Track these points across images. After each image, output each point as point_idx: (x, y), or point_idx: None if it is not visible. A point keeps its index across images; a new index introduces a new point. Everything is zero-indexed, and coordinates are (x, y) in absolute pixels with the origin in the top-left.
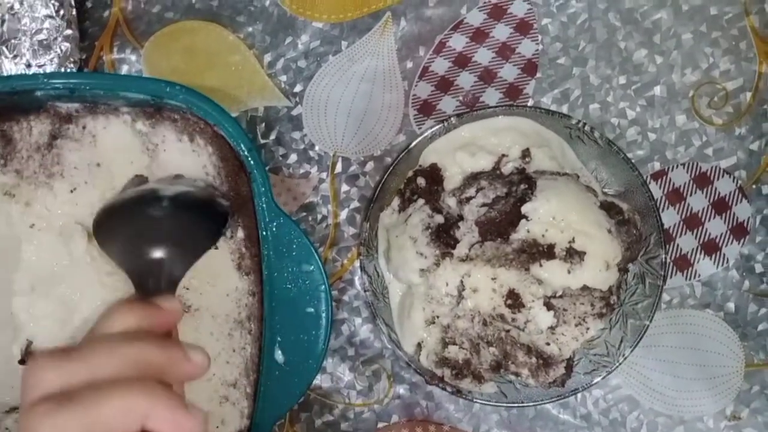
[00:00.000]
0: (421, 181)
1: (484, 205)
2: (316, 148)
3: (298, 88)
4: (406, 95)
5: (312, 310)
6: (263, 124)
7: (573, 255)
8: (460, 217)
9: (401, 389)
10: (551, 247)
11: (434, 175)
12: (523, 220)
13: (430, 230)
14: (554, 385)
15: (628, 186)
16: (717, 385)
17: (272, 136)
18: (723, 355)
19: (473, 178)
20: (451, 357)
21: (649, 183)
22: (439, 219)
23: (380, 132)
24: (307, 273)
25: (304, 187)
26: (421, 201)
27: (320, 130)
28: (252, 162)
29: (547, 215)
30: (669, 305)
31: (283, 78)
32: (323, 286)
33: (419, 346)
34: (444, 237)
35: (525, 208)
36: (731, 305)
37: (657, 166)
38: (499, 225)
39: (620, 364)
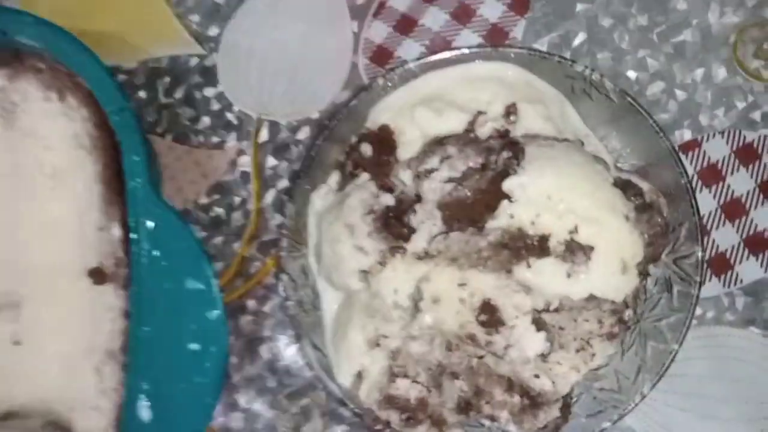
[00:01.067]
0: (366, 149)
1: (450, 180)
2: (235, 109)
3: (212, 32)
4: (355, 39)
5: (197, 346)
6: (167, 79)
7: (576, 251)
8: (418, 198)
9: (340, 431)
10: (544, 239)
11: (385, 140)
12: (505, 202)
13: (373, 215)
14: None
15: (650, 159)
16: (765, 427)
17: (178, 94)
18: None
19: (437, 145)
20: (400, 395)
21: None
22: (388, 200)
23: (319, 87)
24: (194, 293)
25: (218, 160)
26: (364, 176)
27: (240, 86)
28: (122, 127)
29: (540, 194)
30: (701, 321)
31: (195, 18)
32: (216, 312)
33: (359, 376)
34: (394, 225)
35: (508, 185)
36: None
37: (687, 135)
38: (471, 208)
39: (637, 404)
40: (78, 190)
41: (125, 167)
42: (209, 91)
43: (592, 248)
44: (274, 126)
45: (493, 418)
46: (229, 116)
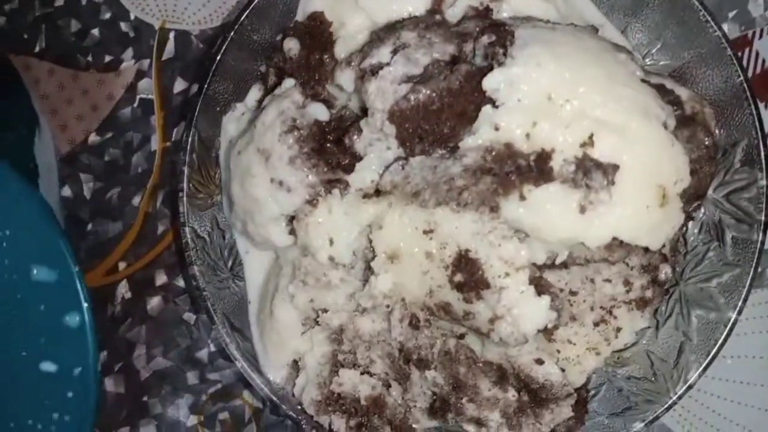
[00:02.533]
0: (292, 46)
1: (407, 79)
2: (132, 16)
3: None
4: None
5: (52, 367)
6: None
7: (591, 172)
8: (363, 112)
9: None
10: (545, 158)
11: (317, 34)
12: (487, 107)
13: (297, 134)
14: None
15: (690, 56)
16: None
17: (59, 1)
18: None
19: (389, 31)
20: (346, 392)
21: None
22: (318, 112)
23: None
24: (44, 288)
25: (112, 86)
26: (288, 82)
27: None
28: None
29: (537, 93)
30: (759, 282)
31: None
32: (78, 317)
33: (295, 365)
34: (329, 150)
35: (491, 82)
36: None
37: (732, 29)
38: (439, 120)
39: (679, 397)
40: None
41: None
42: None
43: (616, 167)
44: (182, 37)
45: (479, 422)
46: (125, 27)
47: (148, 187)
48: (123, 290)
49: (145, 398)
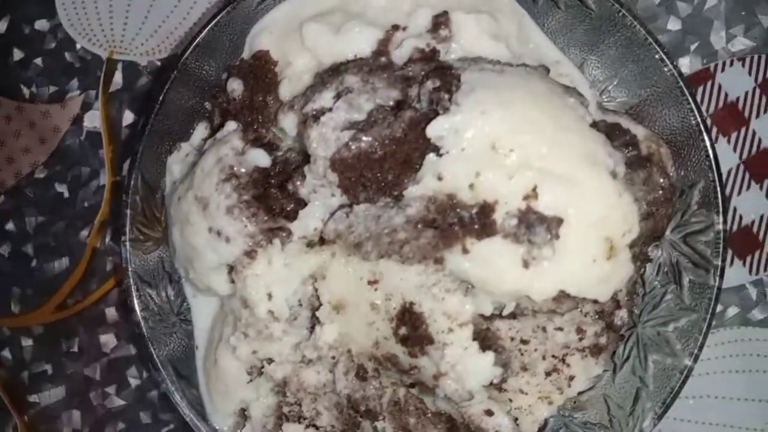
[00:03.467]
0: (235, 87)
1: (350, 126)
2: (79, 47)
3: None
4: None
5: None
6: None
7: (535, 226)
8: (306, 157)
9: None
10: (488, 210)
11: (261, 74)
12: (431, 156)
13: (236, 182)
14: None
15: (646, 94)
16: None
17: (1, 28)
18: None
19: (332, 74)
20: None
21: None
22: (259, 158)
23: (189, 10)
24: None
25: (58, 118)
26: (230, 125)
27: (86, 16)
28: None
29: (481, 142)
30: (720, 321)
31: None
32: None
33: (242, 414)
34: (272, 194)
35: (434, 129)
36: None
37: (694, 63)
38: (382, 168)
39: None
40: None
41: None
42: (42, 24)
43: (560, 221)
44: (130, 68)
45: None
46: (70, 57)
47: (96, 222)
48: (76, 326)
49: None
